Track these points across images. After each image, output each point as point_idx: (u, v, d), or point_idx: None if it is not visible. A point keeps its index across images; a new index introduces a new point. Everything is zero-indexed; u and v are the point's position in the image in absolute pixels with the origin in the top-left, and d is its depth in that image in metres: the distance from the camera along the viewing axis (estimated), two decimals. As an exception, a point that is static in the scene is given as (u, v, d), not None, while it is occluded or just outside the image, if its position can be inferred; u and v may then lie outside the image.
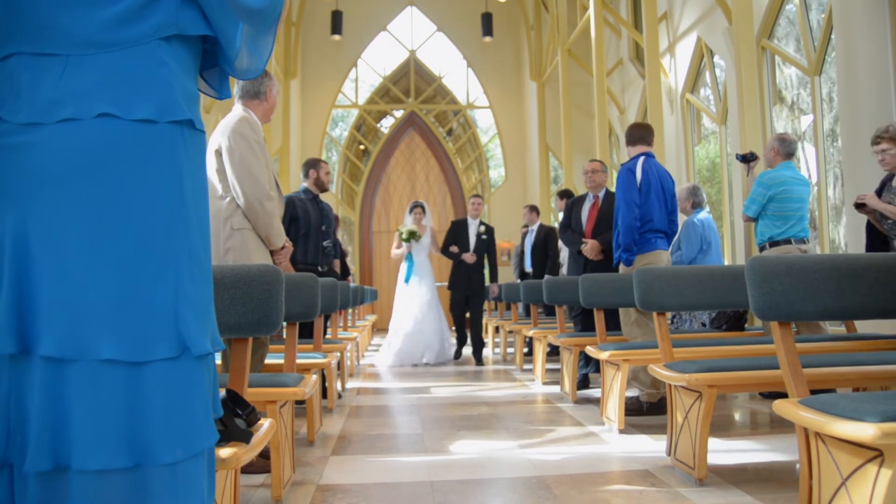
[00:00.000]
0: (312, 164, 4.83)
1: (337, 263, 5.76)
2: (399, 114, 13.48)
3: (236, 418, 1.55)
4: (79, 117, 1.10)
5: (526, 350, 6.90)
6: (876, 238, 3.70)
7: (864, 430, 1.45)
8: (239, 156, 2.88)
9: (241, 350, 1.97)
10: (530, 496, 2.37)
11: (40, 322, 1.07)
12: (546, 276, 5.39)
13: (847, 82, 4.68)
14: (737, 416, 3.97)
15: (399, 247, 7.20)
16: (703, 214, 5.21)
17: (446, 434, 3.50)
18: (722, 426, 3.56)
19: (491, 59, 13.29)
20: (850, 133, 4.65)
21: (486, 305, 8.16)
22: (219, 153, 2.91)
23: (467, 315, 7.20)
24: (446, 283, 7.28)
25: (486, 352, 8.31)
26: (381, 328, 12.41)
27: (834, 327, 4.52)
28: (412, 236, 7.08)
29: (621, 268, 4.11)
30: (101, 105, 1.10)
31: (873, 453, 1.53)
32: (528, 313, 7.43)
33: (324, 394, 4.21)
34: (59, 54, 1.11)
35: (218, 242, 2.87)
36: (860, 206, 3.65)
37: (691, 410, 2.54)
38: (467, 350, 7.54)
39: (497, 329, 8.16)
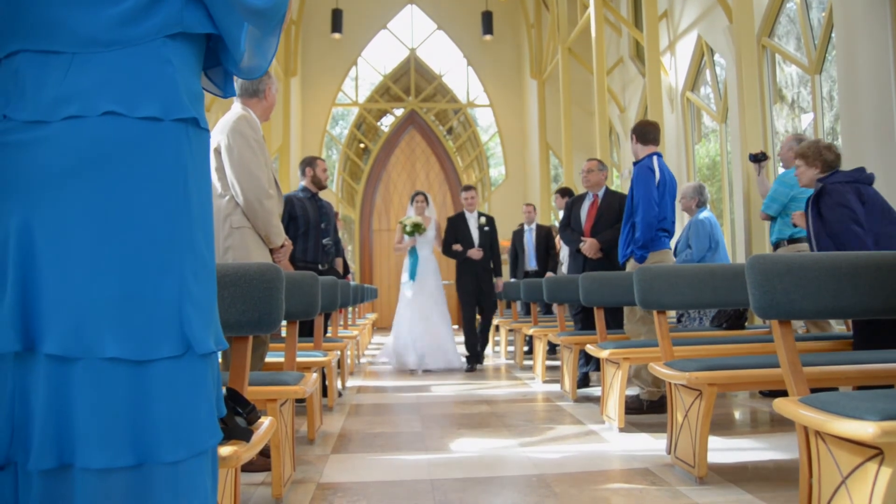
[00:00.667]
0: (309, 162, 4.83)
1: (339, 262, 5.74)
2: (399, 112, 13.47)
3: (236, 417, 1.55)
4: (84, 115, 1.10)
5: (526, 348, 6.90)
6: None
7: (865, 429, 1.45)
8: (238, 154, 2.87)
9: (241, 348, 1.97)
10: (530, 494, 2.37)
11: (45, 320, 1.07)
12: (547, 275, 5.40)
13: (847, 81, 4.67)
14: (737, 415, 3.97)
15: (402, 241, 6.57)
16: (706, 213, 5.21)
17: (446, 432, 3.50)
18: (722, 424, 3.56)
19: (491, 58, 13.28)
20: (850, 132, 4.64)
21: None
22: (218, 152, 2.91)
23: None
24: (448, 281, 7.06)
25: (486, 350, 7.49)
26: (381, 326, 12.42)
27: (840, 325, 4.52)
28: (416, 229, 6.43)
29: (630, 264, 4.10)
30: (106, 103, 1.10)
31: (873, 452, 1.53)
32: (527, 312, 7.43)
33: (324, 392, 4.21)
34: (65, 52, 1.11)
35: (218, 241, 2.87)
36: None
37: (691, 409, 2.54)
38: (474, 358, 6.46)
39: (497, 328, 8.14)
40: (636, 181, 4.07)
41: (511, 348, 8.05)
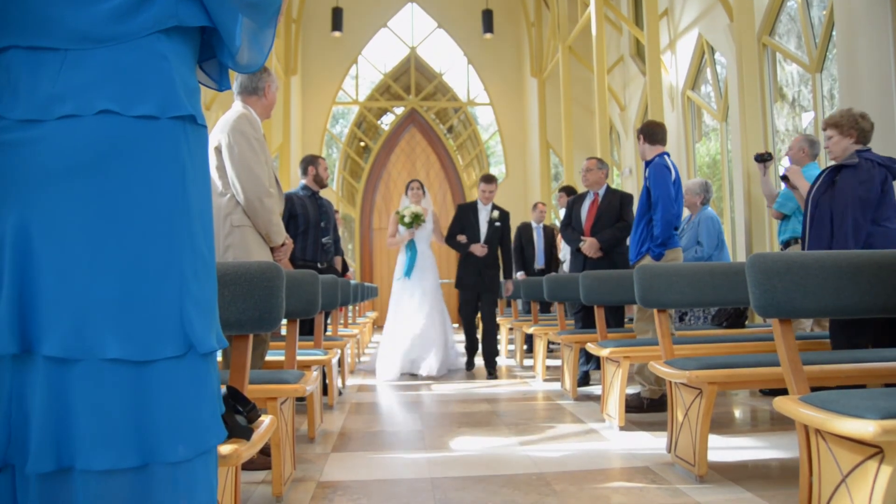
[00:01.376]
0: (311, 161, 4.82)
1: (338, 260, 5.73)
2: (399, 111, 13.46)
3: (237, 415, 1.55)
4: (79, 114, 1.08)
5: (526, 347, 6.90)
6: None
7: (865, 427, 1.45)
8: (238, 153, 2.87)
9: (241, 347, 1.97)
10: (530, 493, 2.37)
11: (43, 322, 1.06)
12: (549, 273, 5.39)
13: (848, 79, 4.67)
14: (737, 413, 3.97)
15: (397, 233, 5.91)
16: (710, 210, 5.21)
17: (447, 431, 3.50)
18: (722, 423, 3.56)
19: (491, 56, 13.27)
20: (851, 130, 4.64)
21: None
22: (218, 150, 2.91)
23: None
24: (448, 280, 6.84)
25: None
26: (381, 325, 12.42)
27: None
28: (415, 220, 5.78)
29: (646, 262, 4.07)
30: (102, 101, 1.09)
31: (873, 450, 1.53)
32: (527, 310, 7.42)
33: (324, 391, 4.21)
34: (58, 49, 1.10)
35: (218, 239, 2.87)
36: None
37: (692, 407, 2.54)
38: (479, 360, 6.14)
39: (497, 326, 8.13)
40: (653, 179, 4.05)
41: (511, 347, 8.05)
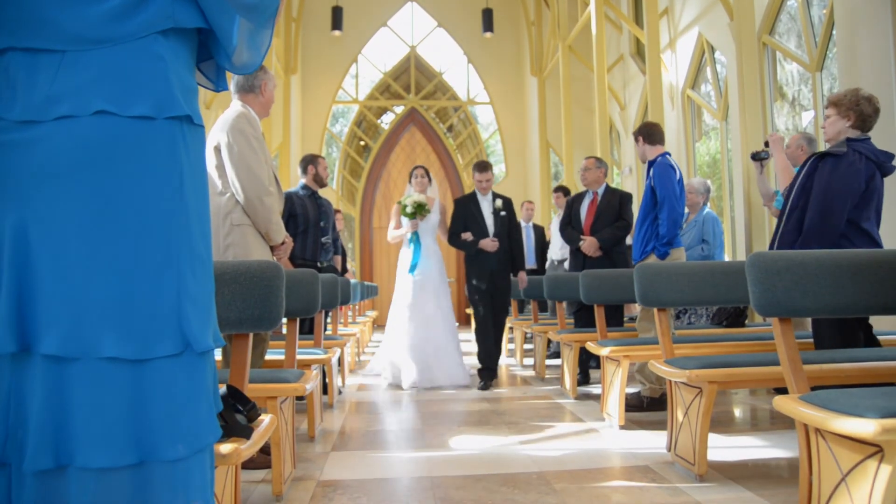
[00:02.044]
0: (310, 160, 4.82)
1: (338, 260, 5.72)
2: (399, 110, 13.46)
3: (237, 414, 1.55)
4: (76, 115, 1.09)
5: (526, 346, 6.91)
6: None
7: (864, 427, 1.45)
8: (238, 152, 2.87)
9: (241, 346, 1.97)
10: (530, 491, 2.37)
11: (41, 321, 1.07)
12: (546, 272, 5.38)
13: (848, 79, 4.66)
14: (737, 412, 3.97)
15: (399, 225, 5.26)
16: (710, 210, 5.23)
17: (446, 430, 3.50)
18: (722, 422, 3.56)
19: (491, 55, 13.26)
20: (851, 129, 4.64)
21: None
22: (218, 150, 2.91)
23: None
24: (451, 279, 6.61)
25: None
26: (381, 324, 12.42)
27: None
28: (420, 210, 5.10)
29: (651, 261, 4.07)
30: (98, 102, 1.10)
31: (873, 449, 1.53)
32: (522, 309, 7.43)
33: (324, 390, 4.21)
34: (55, 50, 1.10)
35: (218, 239, 2.87)
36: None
37: (692, 406, 2.54)
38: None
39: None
40: (658, 179, 4.04)
41: (511, 346, 8.05)
